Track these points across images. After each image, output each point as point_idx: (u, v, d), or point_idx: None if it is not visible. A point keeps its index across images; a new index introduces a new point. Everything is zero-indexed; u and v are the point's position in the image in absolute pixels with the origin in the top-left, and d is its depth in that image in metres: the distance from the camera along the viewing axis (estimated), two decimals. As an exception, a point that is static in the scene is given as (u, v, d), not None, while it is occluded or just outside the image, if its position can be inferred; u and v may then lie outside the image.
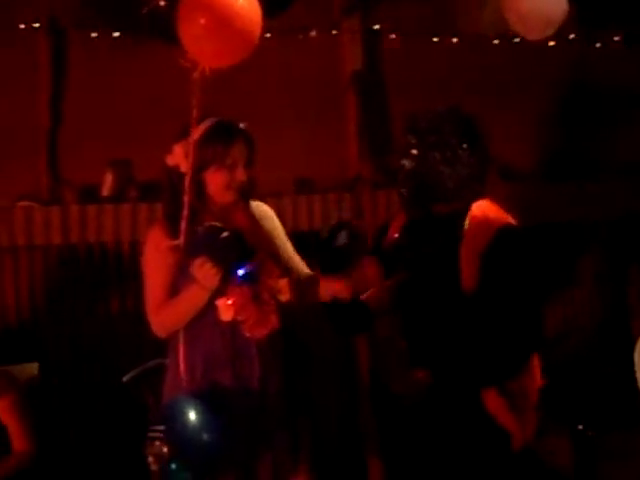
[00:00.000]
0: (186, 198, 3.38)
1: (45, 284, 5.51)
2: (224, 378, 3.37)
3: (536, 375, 3.35)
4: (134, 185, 5.64)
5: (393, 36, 6.28)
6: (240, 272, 3.31)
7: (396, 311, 3.31)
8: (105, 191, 5.66)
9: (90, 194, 5.66)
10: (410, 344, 3.30)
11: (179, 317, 3.39)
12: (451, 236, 3.28)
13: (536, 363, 3.38)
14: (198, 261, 3.28)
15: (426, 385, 3.25)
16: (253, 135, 3.49)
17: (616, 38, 6.74)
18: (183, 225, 3.37)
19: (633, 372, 4.52)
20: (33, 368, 4.63)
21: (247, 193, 3.52)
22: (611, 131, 6.54)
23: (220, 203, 3.47)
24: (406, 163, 3.34)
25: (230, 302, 3.30)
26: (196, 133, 3.41)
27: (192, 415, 3.19)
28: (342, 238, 3.37)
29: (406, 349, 3.30)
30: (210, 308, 3.37)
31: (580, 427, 3.56)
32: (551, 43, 6.61)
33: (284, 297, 3.39)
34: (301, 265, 3.58)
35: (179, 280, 3.40)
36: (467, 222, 3.30)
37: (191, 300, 3.36)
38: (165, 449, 3.17)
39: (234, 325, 3.36)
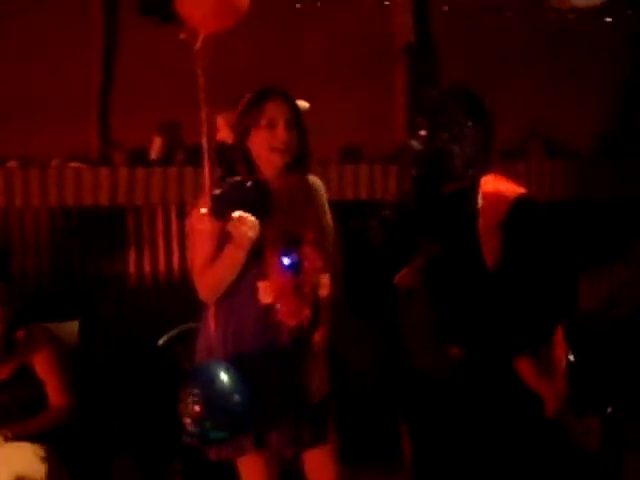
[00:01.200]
0: (206, 165, 3.39)
1: (94, 244, 5.60)
2: (252, 352, 3.40)
3: (561, 343, 3.37)
4: (182, 148, 5.69)
5: (445, 8, 6.27)
6: (286, 261, 3.34)
7: (426, 288, 3.31)
8: (154, 154, 5.71)
9: (139, 157, 5.72)
10: (441, 320, 3.31)
11: (220, 279, 3.39)
12: (466, 214, 3.29)
13: (560, 332, 3.40)
14: (234, 218, 3.31)
15: (459, 360, 3.27)
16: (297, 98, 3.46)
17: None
18: (207, 189, 3.38)
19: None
20: (74, 326, 4.68)
21: (300, 160, 3.46)
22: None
23: (269, 170, 3.42)
24: (415, 144, 3.36)
25: (271, 287, 3.33)
26: (240, 104, 3.43)
27: (223, 376, 3.25)
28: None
29: (437, 325, 3.31)
30: (248, 286, 3.39)
31: (609, 410, 3.53)
32: (608, 19, 6.58)
33: (324, 292, 3.40)
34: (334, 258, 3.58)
35: (224, 245, 3.41)
36: (480, 198, 3.31)
37: (227, 260, 3.36)
38: (198, 409, 3.21)
39: (269, 308, 3.38)
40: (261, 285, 3.36)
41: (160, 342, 4.14)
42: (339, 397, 3.51)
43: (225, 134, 3.45)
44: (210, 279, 3.41)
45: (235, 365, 3.32)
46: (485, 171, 3.38)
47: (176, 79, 5.81)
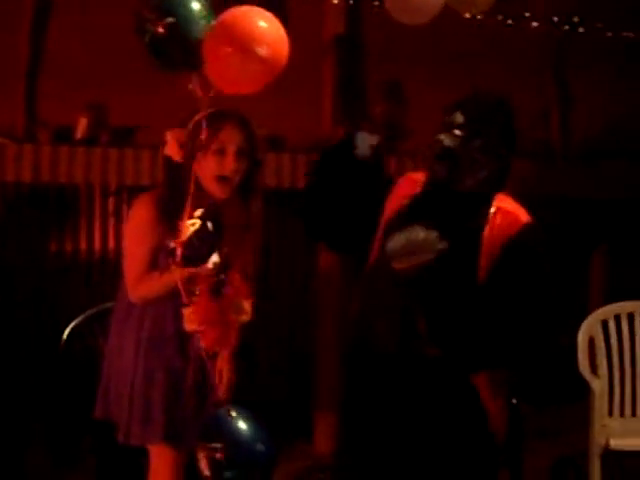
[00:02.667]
0: (189, 195, 3.30)
1: (13, 219, 5.59)
2: (170, 352, 3.46)
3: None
4: (107, 130, 5.70)
5: (376, 2, 6.31)
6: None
7: (418, 281, 3.28)
8: (79, 134, 5.72)
9: (64, 135, 5.71)
10: (425, 315, 3.29)
11: (154, 293, 3.44)
12: (475, 219, 3.31)
13: None
14: (208, 267, 3.33)
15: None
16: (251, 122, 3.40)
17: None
18: (183, 225, 3.32)
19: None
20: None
21: (245, 190, 3.44)
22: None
23: (212, 193, 3.38)
24: (445, 139, 3.31)
25: (194, 313, 3.36)
26: (191, 123, 3.36)
27: (244, 426, 3.28)
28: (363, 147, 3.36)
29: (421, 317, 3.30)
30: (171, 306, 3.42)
31: (514, 401, 3.61)
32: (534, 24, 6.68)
33: (245, 318, 3.42)
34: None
35: (159, 254, 3.43)
36: (492, 209, 3.30)
37: (169, 284, 3.37)
38: (219, 456, 3.22)
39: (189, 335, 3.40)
40: (186, 312, 3.35)
41: (75, 322, 4.14)
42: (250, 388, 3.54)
43: (173, 150, 3.40)
44: (147, 291, 3.44)
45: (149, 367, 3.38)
46: (501, 189, 3.32)
47: (106, 60, 5.84)
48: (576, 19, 6.45)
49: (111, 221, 5.64)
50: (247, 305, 3.41)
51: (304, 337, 5.68)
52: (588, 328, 4.67)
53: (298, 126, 5.92)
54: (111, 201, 5.62)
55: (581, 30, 6.47)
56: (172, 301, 3.40)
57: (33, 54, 5.89)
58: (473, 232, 3.26)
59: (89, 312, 4.13)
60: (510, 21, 6.34)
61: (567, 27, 6.50)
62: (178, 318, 3.38)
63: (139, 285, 3.44)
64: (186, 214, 3.29)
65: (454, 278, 3.21)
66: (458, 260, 3.22)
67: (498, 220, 3.27)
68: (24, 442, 4.70)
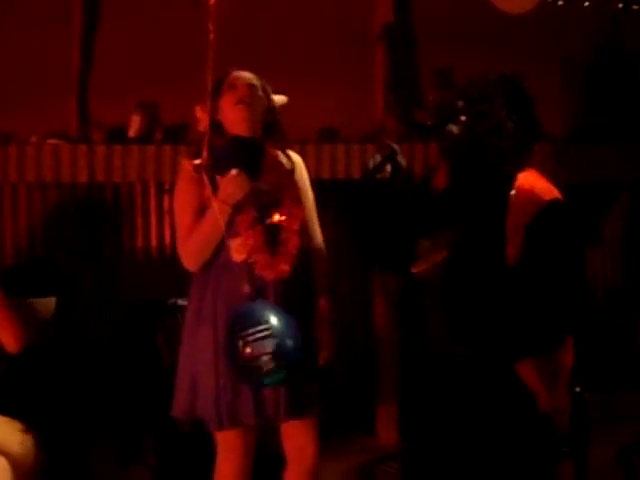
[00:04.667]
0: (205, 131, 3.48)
1: (72, 221, 5.63)
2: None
3: (570, 352, 3.36)
4: (160, 128, 5.71)
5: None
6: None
7: (443, 284, 3.28)
8: (132, 132, 5.73)
9: (117, 135, 5.73)
10: (453, 315, 3.29)
11: (203, 241, 3.47)
12: (497, 204, 3.27)
13: (570, 342, 3.38)
14: (231, 175, 3.39)
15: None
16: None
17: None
18: (205, 143, 3.45)
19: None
20: (51, 303, 4.69)
21: (271, 128, 3.59)
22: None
23: (238, 128, 3.52)
24: (454, 129, 3.30)
25: (243, 243, 3.38)
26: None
27: (281, 317, 3.35)
28: (386, 171, 3.41)
29: (448, 319, 3.29)
30: (222, 250, 3.46)
31: (577, 389, 3.57)
32: (586, 3, 6.60)
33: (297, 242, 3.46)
34: (317, 234, 3.64)
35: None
36: (514, 191, 3.27)
37: (210, 219, 3.44)
38: (270, 348, 3.24)
39: (246, 265, 3.44)
40: (233, 243, 3.41)
41: (134, 318, 4.17)
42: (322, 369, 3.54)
43: (205, 124, 3.51)
44: (194, 244, 3.48)
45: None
46: (523, 165, 3.32)
47: (155, 59, 5.85)
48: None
49: (167, 218, 5.66)
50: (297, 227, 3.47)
51: (365, 329, 5.67)
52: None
53: (350, 117, 5.90)
54: (167, 198, 5.64)
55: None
56: (240, 299, 3.41)
57: (84, 56, 5.91)
58: (496, 219, 3.23)
59: (149, 308, 4.15)
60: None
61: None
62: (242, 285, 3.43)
63: (188, 242, 3.47)
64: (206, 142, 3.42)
65: (482, 268, 3.18)
66: (484, 250, 3.19)
67: (519, 201, 3.24)
68: (89, 440, 4.73)
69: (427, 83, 6.23)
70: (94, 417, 5.00)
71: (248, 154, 3.42)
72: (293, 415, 3.49)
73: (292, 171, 3.59)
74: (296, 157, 3.67)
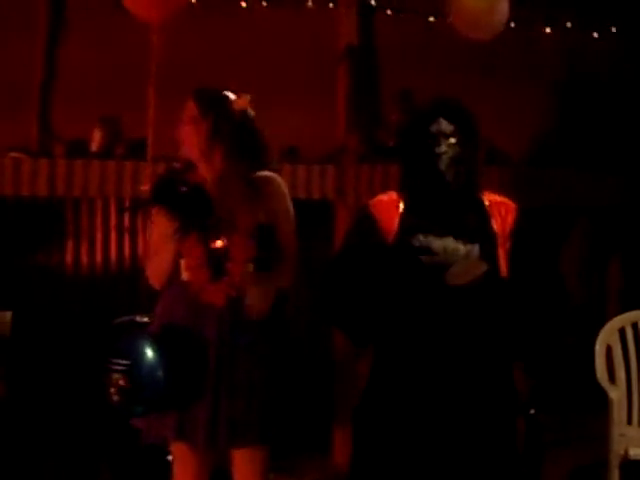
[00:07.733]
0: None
1: (31, 235, 5.61)
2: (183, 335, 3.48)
3: (520, 377, 3.40)
4: (122, 142, 5.71)
5: (388, 12, 6.33)
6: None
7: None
8: (94, 147, 5.73)
9: (79, 149, 5.73)
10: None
11: (157, 266, 3.52)
12: (476, 214, 3.33)
13: (519, 366, 3.42)
14: (155, 209, 3.43)
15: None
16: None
17: (612, 29, 6.80)
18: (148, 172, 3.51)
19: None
20: (6, 317, 4.67)
21: (245, 151, 3.53)
22: (603, 122, 6.61)
23: (202, 167, 3.49)
24: (448, 150, 3.35)
25: (186, 264, 3.41)
26: None
27: (149, 352, 3.33)
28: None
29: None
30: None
31: (532, 411, 3.59)
32: (547, 30, 6.69)
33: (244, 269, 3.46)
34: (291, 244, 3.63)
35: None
36: (487, 202, 3.35)
37: (159, 247, 3.48)
38: (122, 382, 3.26)
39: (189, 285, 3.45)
40: (181, 262, 3.45)
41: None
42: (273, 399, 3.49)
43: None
44: (152, 266, 3.53)
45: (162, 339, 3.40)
46: (479, 186, 3.39)
47: (118, 74, 5.85)
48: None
49: (127, 235, 5.65)
50: (249, 269, 3.42)
51: (322, 349, 5.67)
52: (605, 336, 4.64)
53: (312, 136, 5.93)
54: (127, 214, 5.62)
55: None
56: (173, 318, 3.45)
57: (47, 69, 5.91)
58: (485, 228, 3.30)
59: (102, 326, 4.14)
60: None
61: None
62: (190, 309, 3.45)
63: (149, 261, 3.55)
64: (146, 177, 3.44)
65: (488, 276, 3.23)
66: (485, 257, 3.25)
67: (497, 211, 3.34)
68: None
69: (389, 105, 6.28)
70: (47, 436, 4.96)
71: (187, 201, 3.44)
72: (232, 443, 3.46)
73: (256, 196, 3.52)
74: (271, 179, 3.61)
